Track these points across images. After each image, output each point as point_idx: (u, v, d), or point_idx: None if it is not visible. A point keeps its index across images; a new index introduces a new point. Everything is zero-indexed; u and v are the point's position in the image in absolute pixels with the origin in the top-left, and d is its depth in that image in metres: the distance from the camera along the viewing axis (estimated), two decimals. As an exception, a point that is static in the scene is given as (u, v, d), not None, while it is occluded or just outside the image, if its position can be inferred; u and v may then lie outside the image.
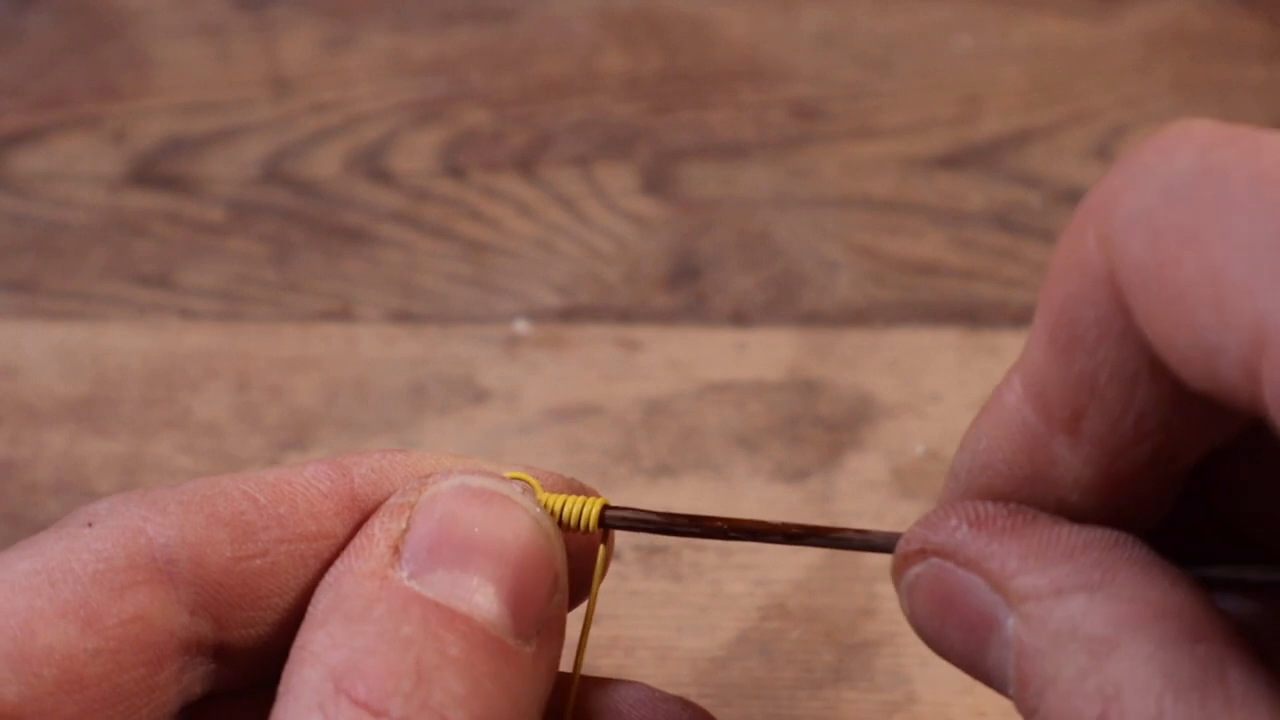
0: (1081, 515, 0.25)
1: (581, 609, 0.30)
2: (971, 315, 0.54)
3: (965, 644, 0.25)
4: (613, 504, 0.29)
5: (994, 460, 0.25)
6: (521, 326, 0.54)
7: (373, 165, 0.61)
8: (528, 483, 0.29)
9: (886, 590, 0.45)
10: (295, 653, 0.25)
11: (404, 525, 0.27)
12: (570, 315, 0.55)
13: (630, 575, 0.46)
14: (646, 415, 0.51)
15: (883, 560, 0.45)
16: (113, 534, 0.26)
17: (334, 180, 0.60)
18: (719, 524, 0.29)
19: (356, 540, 0.27)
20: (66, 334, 0.54)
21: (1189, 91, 0.64)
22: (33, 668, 0.25)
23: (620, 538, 0.46)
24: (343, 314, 0.55)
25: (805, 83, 0.65)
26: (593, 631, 0.30)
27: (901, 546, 0.26)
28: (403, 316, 0.55)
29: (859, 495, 0.48)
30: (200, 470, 0.49)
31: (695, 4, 0.69)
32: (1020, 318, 0.54)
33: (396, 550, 0.26)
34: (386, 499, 0.28)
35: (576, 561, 0.29)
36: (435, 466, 0.29)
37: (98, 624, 0.26)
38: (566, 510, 0.29)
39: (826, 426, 0.50)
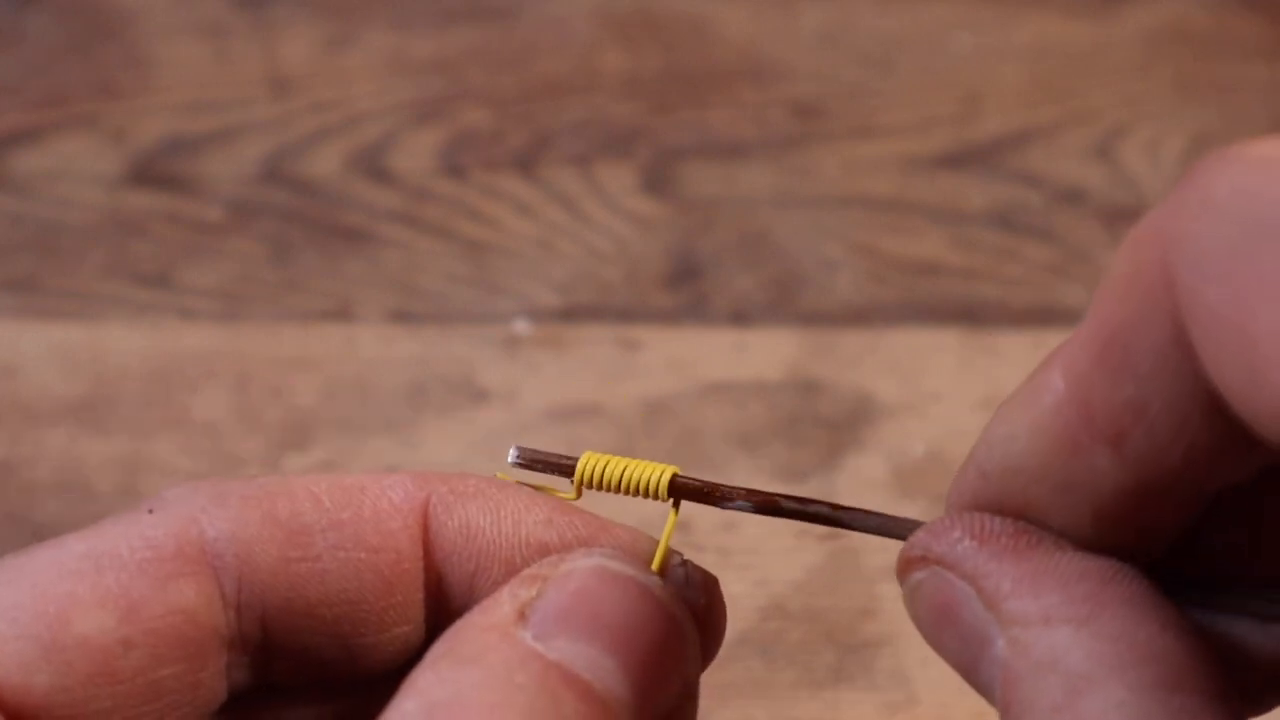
0: (1112, 524, 0.24)
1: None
2: (971, 315, 0.54)
3: (960, 654, 0.25)
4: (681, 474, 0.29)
5: (1028, 464, 0.24)
6: (521, 326, 0.54)
7: (372, 165, 0.61)
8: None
9: (886, 590, 0.45)
10: (401, 689, 0.24)
11: (534, 593, 0.26)
12: (570, 315, 0.55)
13: (630, 575, 0.46)
14: (646, 415, 0.51)
15: (883, 560, 0.45)
16: (167, 522, 0.26)
17: (334, 180, 0.60)
18: (776, 499, 0.29)
19: (483, 601, 0.26)
20: (66, 334, 0.54)
21: (1189, 91, 0.64)
22: (65, 657, 0.24)
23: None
24: (342, 314, 0.55)
25: (805, 82, 0.65)
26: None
27: (905, 550, 0.26)
28: (402, 316, 0.55)
29: (859, 495, 0.48)
30: (199, 470, 0.49)
31: (695, 3, 0.68)
32: (1020, 318, 0.54)
33: (523, 614, 0.25)
34: (460, 521, 0.28)
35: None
36: (517, 497, 0.28)
37: (137, 615, 0.25)
38: (636, 475, 0.29)
39: (826, 426, 0.50)
